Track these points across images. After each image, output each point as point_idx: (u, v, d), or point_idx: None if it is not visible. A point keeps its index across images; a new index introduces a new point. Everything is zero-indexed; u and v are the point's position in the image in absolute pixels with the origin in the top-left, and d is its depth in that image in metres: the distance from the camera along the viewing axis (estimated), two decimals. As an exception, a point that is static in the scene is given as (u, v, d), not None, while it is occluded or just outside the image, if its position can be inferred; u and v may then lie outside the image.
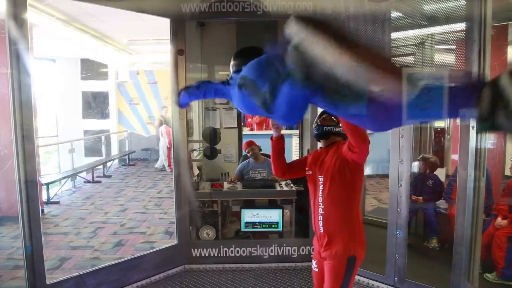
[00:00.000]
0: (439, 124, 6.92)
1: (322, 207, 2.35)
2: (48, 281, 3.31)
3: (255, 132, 9.10)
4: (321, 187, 2.37)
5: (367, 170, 6.15)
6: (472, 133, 3.16)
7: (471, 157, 3.19)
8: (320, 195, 2.37)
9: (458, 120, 3.50)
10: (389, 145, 3.72)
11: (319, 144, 2.56)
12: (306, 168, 2.51)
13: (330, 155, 2.36)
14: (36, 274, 3.20)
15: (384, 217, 5.17)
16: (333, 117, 2.42)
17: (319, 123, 2.46)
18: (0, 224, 5.64)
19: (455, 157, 5.27)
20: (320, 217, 2.35)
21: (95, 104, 11.64)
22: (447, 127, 7.01)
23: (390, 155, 3.64)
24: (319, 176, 2.39)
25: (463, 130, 3.26)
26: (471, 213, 3.21)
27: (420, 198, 4.59)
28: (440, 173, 5.46)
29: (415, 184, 4.63)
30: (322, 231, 2.36)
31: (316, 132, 2.47)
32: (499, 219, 3.76)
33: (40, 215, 3.22)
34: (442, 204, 4.78)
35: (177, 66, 4.08)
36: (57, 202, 7.18)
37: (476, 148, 3.17)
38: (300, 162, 2.63)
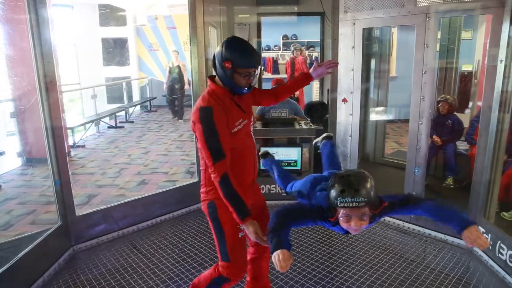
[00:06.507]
0: (466, 67, 6.62)
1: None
2: (78, 213, 3.50)
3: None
4: (252, 132, 2.20)
5: (389, 115, 6.03)
6: (500, 69, 3.03)
7: (497, 94, 3.08)
8: (253, 141, 2.21)
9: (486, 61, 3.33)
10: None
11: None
12: (240, 120, 2.03)
13: (250, 99, 2.16)
14: (66, 206, 3.35)
15: (403, 159, 5.17)
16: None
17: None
18: (32, 166, 5.92)
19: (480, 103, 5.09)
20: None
21: (115, 51, 11.61)
22: (475, 71, 6.71)
23: (412, 92, 3.54)
24: (251, 125, 2.18)
25: (490, 68, 3.13)
26: (492, 151, 3.16)
27: (439, 140, 4.52)
28: (465, 118, 5.34)
29: (435, 125, 4.55)
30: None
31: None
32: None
33: (66, 151, 3.33)
34: (463, 145, 4.71)
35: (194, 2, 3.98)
36: (82, 146, 7.45)
37: (502, 86, 3.04)
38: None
